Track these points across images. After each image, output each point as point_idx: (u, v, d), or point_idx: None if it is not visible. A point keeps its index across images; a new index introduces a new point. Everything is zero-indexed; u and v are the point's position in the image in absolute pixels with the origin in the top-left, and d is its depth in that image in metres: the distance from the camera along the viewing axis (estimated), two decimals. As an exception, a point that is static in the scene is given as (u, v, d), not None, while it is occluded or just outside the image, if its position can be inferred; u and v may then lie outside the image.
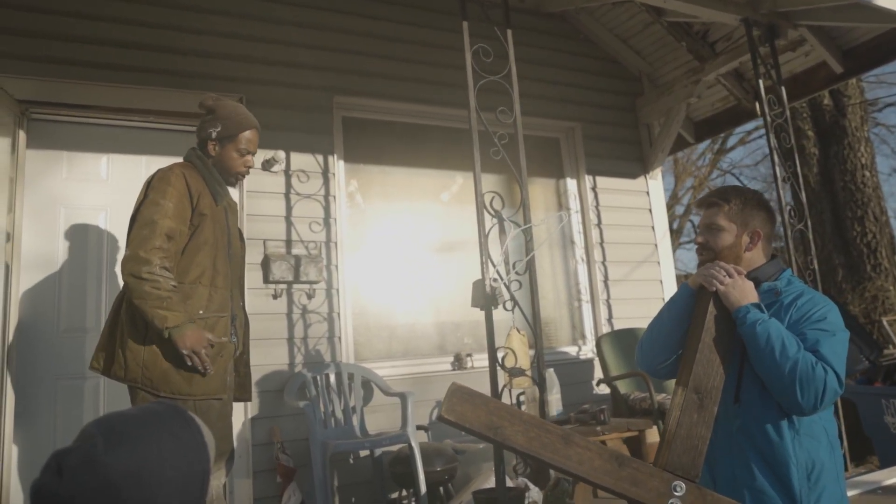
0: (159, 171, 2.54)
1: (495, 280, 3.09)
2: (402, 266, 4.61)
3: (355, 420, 3.90)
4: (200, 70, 4.05)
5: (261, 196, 4.10)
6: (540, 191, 5.28)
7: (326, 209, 4.29)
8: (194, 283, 2.47)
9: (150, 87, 3.89)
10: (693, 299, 1.87)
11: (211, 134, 2.61)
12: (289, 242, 4.12)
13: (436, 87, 4.70)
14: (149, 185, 2.51)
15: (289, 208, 4.17)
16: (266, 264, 4.00)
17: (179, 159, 2.69)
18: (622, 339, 4.72)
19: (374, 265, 4.51)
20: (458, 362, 4.51)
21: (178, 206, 2.44)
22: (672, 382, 4.57)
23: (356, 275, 4.42)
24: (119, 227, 3.78)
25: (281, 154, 4.18)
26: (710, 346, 1.71)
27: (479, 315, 3.14)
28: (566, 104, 5.34)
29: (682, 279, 6.33)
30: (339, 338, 4.15)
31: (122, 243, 3.76)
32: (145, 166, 3.92)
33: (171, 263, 2.39)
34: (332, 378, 3.94)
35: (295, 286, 4.09)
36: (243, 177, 2.74)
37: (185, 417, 1.07)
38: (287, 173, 4.21)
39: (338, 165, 4.41)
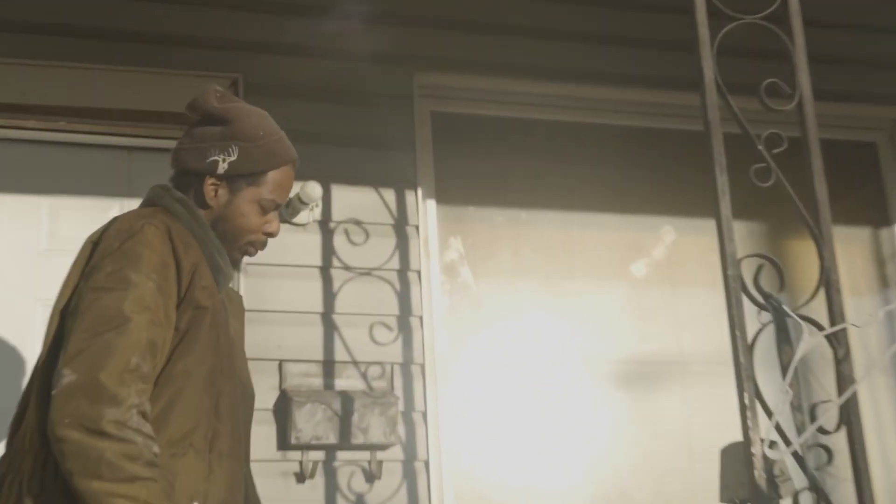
0: (124, 218, 1.53)
1: (772, 444, 1.72)
2: (555, 410, 2.90)
3: None
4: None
5: (274, 272, 2.56)
6: (843, 251, 3.04)
7: (404, 297, 2.75)
8: (179, 443, 1.40)
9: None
10: None
11: (218, 164, 1.60)
12: (328, 364, 2.59)
13: (615, 50, 2.94)
14: (105, 241, 1.46)
15: (329, 295, 2.62)
16: (284, 411, 2.49)
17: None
18: None
19: (499, 410, 2.87)
20: None
21: (164, 289, 1.44)
22: None
23: (464, 430, 2.83)
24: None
25: (315, 189, 2.55)
26: None
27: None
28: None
29: None
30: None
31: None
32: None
33: (149, 406, 1.44)
34: None
35: (341, 455, 2.53)
36: (256, 251, 1.71)
37: None
38: (326, 225, 2.70)
39: (425, 208, 2.85)
